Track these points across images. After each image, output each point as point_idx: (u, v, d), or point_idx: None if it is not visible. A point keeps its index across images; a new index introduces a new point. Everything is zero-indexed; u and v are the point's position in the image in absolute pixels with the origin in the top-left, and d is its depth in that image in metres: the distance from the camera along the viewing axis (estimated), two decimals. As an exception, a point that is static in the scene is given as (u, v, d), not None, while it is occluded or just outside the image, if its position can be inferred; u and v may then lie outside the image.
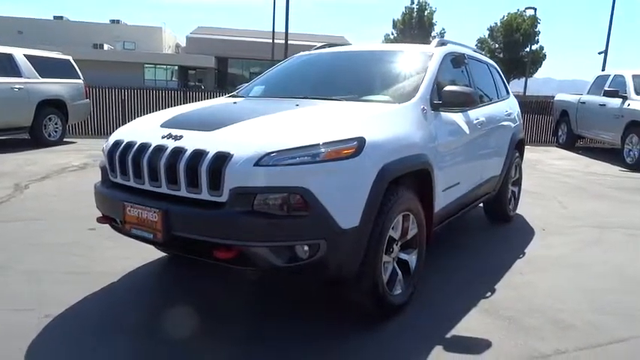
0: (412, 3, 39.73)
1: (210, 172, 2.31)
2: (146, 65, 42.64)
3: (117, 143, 2.74)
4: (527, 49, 36.51)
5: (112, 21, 50.03)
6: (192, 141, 2.45)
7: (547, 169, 8.76)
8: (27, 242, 4.00)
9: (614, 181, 7.77)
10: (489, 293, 3.24)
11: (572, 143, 11.93)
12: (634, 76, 9.65)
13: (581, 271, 3.76)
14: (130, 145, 2.65)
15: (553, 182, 7.43)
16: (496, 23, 38.70)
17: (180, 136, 2.51)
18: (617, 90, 9.59)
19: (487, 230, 4.88)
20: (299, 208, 2.27)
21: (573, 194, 6.65)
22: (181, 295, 3.16)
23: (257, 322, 2.79)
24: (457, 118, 3.52)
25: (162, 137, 2.56)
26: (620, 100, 9.47)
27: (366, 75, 3.68)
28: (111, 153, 2.74)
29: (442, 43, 3.88)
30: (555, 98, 12.98)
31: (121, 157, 2.66)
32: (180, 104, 12.19)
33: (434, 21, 39.78)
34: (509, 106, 4.91)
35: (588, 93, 11.14)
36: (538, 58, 38.19)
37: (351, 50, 4.12)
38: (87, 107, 10.74)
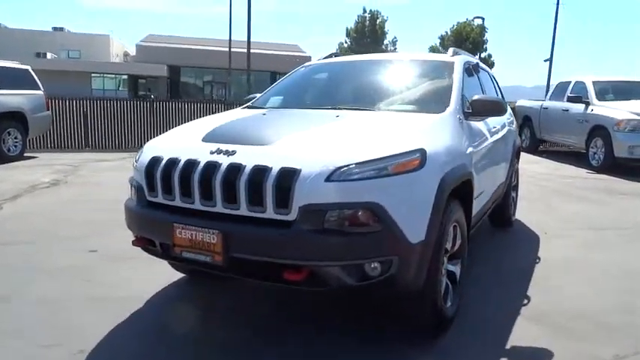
0: (364, 12, 40.44)
1: (277, 189, 2.19)
2: (93, 75, 41.05)
3: (155, 160, 2.55)
4: (477, 57, 37.83)
5: (55, 28, 47.84)
6: (248, 156, 2.32)
7: (522, 172, 9.01)
8: (25, 268, 3.68)
9: (586, 184, 8.12)
10: (525, 300, 3.25)
11: (535, 147, 12.40)
12: (594, 83, 10.17)
13: (598, 272, 3.85)
14: (173, 161, 2.47)
15: (533, 186, 7.66)
16: (447, 32, 40.04)
17: (233, 151, 2.37)
18: (580, 96, 10.06)
19: (493, 236, 4.94)
20: (371, 223, 2.19)
21: (556, 197, 6.89)
22: (212, 317, 2.99)
23: (306, 336, 2.66)
24: (481, 126, 3.54)
25: (212, 153, 2.41)
26: (583, 105, 9.94)
27: (394, 85, 3.64)
28: (150, 170, 2.55)
29: (456, 53, 3.92)
30: (517, 104, 13.47)
31: (164, 175, 2.48)
32: (149, 116, 11.84)
33: (386, 29, 40.62)
34: (509, 114, 5.02)
35: (550, 99, 11.63)
36: (487, 66, 39.66)
37: (370, 59, 4.07)
38: (48, 120, 10.18)
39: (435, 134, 2.75)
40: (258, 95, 4.10)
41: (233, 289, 3.38)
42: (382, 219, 2.19)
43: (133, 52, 46.51)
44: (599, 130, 9.36)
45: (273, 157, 2.29)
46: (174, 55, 39.41)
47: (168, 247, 2.45)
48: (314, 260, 2.18)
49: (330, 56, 4.40)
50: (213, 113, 12.54)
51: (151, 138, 12.13)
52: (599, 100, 9.81)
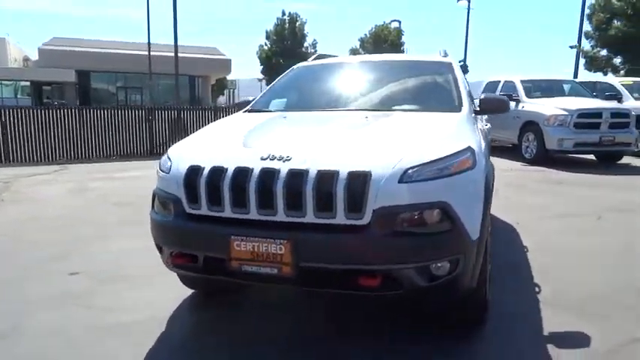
0: (283, 14, 40.46)
1: (349, 194, 2.12)
2: (-12, 82, 37.46)
3: (195, 170, 2.37)
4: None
5: (-61, 32, 43.01)
6: (307, 161, 2.22)
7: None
8: (7, 299, 3.26)
9: (526, 175, 8.71)
10: (537, 289, 3.41)
11: (468, 143, 13.08)
12: (522, 81, 10.96)
13: (589, 256, 4.12)
14: (219, 170, 2.31)
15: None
16: (366, 35, 41.12)
17: (289, 157, 2.27)
18: (510, 94, 10.77)
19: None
20: (442, 223, 2.19)
21: (506, 189, 7.27)
22: (245, 335, 2.83)
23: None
24: (480, 123, 3.67)
25: (263, 159, 2.29)
26: (514, 102, 10.65)
27: (405, 86, 3.66)
28: (190, 181, 2.37)
29: (446, 54, 4.03)
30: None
31: (212, 185, 2.30)
32: (78, 125, 10.99)
33: (305, 32, 40.90)
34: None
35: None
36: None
37: (373, 61, 4.07)
38: (-36, 132, 9.13)
39: (466, 133, 2.81)
40: (250, 98, 3.95)
41: (246, 301, 3.24)
42: (451, 218, 2.20)
43: (34, 56, 42.99)
44: (531, 125, 10.08)
45: (334, 160, 2.22)
46: (83, 59, 36.89)
47: (222, 262, 2.28)
48: (391, 264, 2.15)
49: (318, 57, 4.36)
50: (148, 119, 11.93)
51: (82, 148, 11.19)
52: (528, 97, 10.57)
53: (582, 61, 23.11)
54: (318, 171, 2.16)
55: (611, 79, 13.24)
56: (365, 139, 2.51)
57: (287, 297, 3.31)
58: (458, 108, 3.19)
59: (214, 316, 3.08)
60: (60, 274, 3.70)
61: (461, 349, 2.61)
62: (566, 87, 11.60)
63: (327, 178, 2.15)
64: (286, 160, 2.25)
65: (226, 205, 2.28)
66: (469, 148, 2.44)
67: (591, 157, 10.52)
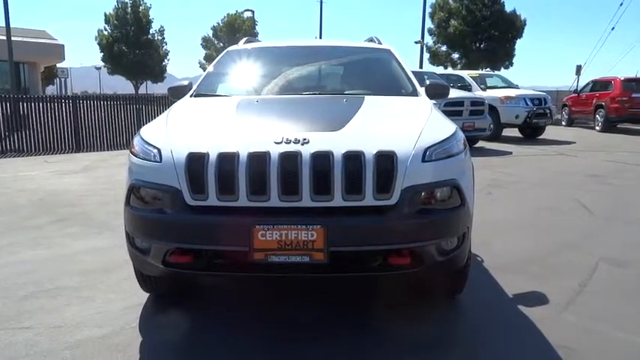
0: (124, -3, 37.50)
1: (378, 174, 2.09)
2: None
3: (199, 156, 2.13)
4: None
5: None
6: (328, 143, 2.14)
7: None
8: None
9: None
10: (479, 258, 3.72)
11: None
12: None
13: (504, 226, 4.64)
14: (230, 156, 2.10)
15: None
16: (219, 23, 40.04)
17: (306, 140, 2.16)
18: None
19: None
20: (454, 199, 2.29)
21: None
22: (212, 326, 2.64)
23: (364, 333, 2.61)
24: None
25: (277, 143, 2.14)
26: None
27: (358, 70, 3.68)
28: (194, 170, 2.12)
29: (380, 42, 4.17)
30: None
31: (223, 173, 2.09)
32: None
33: (151, 17, 38.48)
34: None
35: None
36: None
37: (311, 45, 4.00)
38: None
39: (444, 116, 2.95)
40: (186, 83, 3.60)
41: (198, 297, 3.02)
42: (461, 194, 2.31)
43: None
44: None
45: (354, 142, 2.17)
46: None
47: (241, 255, 2.09)
48: (418, 241, 2.18)
49: (248, 41, 4.20)
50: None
51: None
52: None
53: (427, 55, 25.70)
54: (345, 152, 2.10)
55: (461, 71, 14.91)
56: (369, 121, 2.48)
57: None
58: (415, 92, 3.33)
59: (182, 316, 2.80)
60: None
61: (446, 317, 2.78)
62: (426, 78, 12.74)
63: (354, 159, 2.09)
64: (304, 142, 2.14)
65: (242, 193, 2.09)
66: (458, 129, 2.58)
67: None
